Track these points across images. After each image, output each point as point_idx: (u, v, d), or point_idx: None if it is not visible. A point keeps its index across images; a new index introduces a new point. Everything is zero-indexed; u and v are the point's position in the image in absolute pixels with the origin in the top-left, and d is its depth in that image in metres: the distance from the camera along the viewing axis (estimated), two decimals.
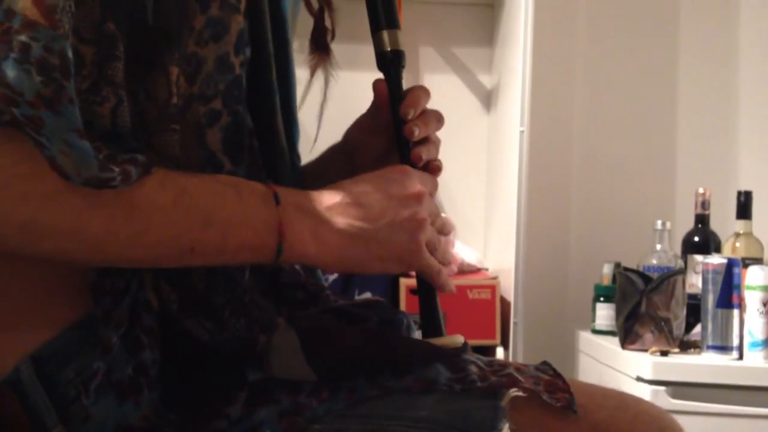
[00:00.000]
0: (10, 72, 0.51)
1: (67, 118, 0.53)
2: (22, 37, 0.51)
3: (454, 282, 0.74)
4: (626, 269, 1.77)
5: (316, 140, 0.84)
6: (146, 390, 0.61)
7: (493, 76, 2.21)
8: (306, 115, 0.84)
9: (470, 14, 2.21)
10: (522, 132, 1.84)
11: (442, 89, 2.19)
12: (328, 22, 0.80)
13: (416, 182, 0.68)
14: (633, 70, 2.22)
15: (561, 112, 2.21)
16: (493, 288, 1.84)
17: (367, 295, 1.73)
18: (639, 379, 1.60)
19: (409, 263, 0.67)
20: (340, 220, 0.64)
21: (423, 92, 0.77)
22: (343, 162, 0.83)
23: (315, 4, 0.79)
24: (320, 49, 0.80)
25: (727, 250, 1.87)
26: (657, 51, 2.23)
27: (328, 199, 0.65)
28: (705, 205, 1.92)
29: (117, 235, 0.56)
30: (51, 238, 0.55)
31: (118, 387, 0.60)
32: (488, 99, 2.23)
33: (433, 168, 0.76)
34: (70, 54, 0.53)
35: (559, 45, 2.20)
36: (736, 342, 1.62)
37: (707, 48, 2.24)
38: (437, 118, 0.77)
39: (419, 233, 0.66)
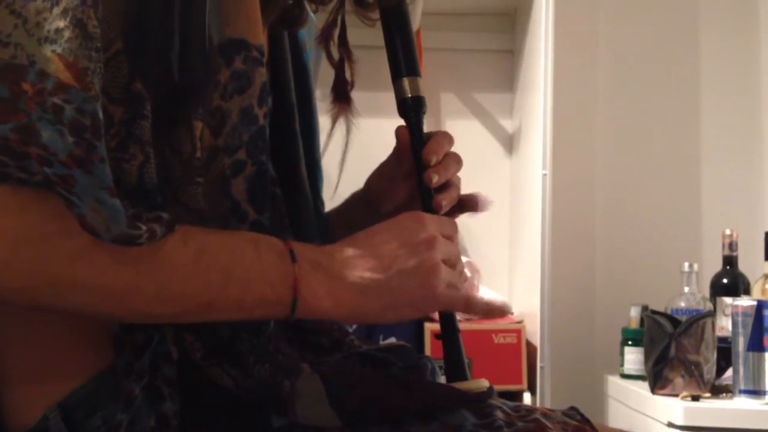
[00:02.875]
0: (45, 133, 0.52)
1: (98, 177, 0.54)
2: (56, 99, 0.53)
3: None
4: (654, 312, 1.74)
5: (336, 187, 0.85)
6: None
7: (514, 121, 2.22)
8: (328, 162, 0.85)
9: (490, 60, 2.24)
10: (545, 175, 1.84)
11: (464, 134, 2.21)
12: (348, 73, 0.81)
13: (429, 228, 0.67)
14: (655, 111, 2.22)
15: (584, 155, 2.21)
16: (518, 332, 1.82)
17: (392, 340, 1.72)
18: (670, 424, 1.56)
19: (425, 309, 0.67)
20: (353, 274, 0.64)
21: (445, 138, 0.77)
22: (367, 210, 0.83)
23: (335, 56, 0.81)
24: (341, 98, 0.81)
25: (756, 291, 1.84)
26: (679, 91, 2.23)
27: (341, 253, 0.65)
28: (732, 246, 1.89)
29: (141, 291, 0.57)
30: (78, 293, 0.56)
31: None
32: (510, 143, 2.24)
33: (473, 203, 0.78)
34: (100, 115, 0.55)
35: (579, 88, 2.21)
36: None
37: (730, 87, 2.23)
38: (456, 161, 0.78)
39: (432, 279, 0.66)
